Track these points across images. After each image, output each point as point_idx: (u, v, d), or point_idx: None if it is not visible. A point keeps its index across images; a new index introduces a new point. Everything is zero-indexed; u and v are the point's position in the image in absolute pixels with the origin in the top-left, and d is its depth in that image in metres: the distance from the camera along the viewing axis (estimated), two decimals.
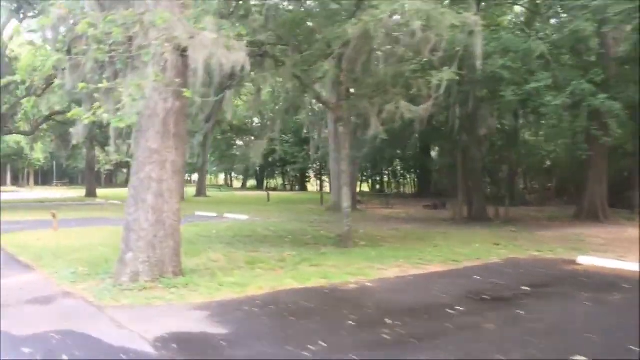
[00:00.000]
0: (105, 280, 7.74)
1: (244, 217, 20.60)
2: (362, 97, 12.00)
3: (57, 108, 32.97)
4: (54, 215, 15.18)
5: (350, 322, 5.64)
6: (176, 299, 6.75)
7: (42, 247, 11.69)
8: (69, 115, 6.70)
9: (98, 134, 30.56)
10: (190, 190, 40.54)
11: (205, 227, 16.64)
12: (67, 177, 74.74)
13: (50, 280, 8.24)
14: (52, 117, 30.07)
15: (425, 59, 12.41)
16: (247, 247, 11.98)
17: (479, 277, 8.08)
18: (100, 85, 6.77)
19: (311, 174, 58.04)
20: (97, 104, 6.59)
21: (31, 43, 32.50)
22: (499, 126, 19.67)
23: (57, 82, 8.52)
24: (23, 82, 28.83)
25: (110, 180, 76.91)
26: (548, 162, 23.23)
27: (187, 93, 6.73)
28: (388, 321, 5.58)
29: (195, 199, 35.35)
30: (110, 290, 7.21)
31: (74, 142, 19.40)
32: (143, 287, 7.24)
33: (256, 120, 52.74)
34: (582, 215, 19.10)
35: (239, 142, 58.76)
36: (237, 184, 72.49)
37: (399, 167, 41.81)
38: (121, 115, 6.50)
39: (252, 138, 55.41)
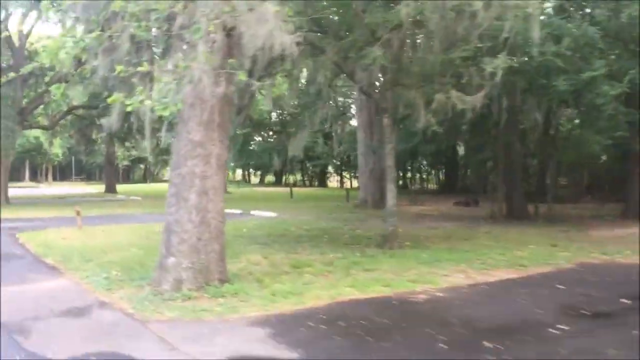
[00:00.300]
0: (144, 287, 6.94)
1: (271, 214, 19.80)
2: (410, 87, 11.07)
3: (75, 103, 32.60)
4: (78, 213, 14.49)
5: (442, 345, 4.76)
6: (228, 312, 5.92)
7: (69, 247, 10.97)
8: (109, 100, 5.90)
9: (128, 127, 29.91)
10: None
11: (234, 225, 15.82)
12: (84, 173, 74.71)
13: (82, 286, 7.47)
14: (72, 111, 29.52)
15: (477, 45, 11.44)
16: (285, 248, 11.16)
17: (562, 287, 7.14)
18: (140, 69, 5.95)
19: (331, 169, 57.11)
20: (141, 88, 5.77)
21: (50, 37, 32.10)
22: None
23: (87, 67, 7.59)
24: (52, 69, 28.32)
25: (128, 176, 76.77)
26: (603, 157, 21.95)
27: (241, 75, 5.88)
28: (487, 344, 4.69)
29: None
30: (151, 300, 6.41)
31: (105, 132, 18.76)
32: (187, 297, 6.43)
33: (274, 114, 51.87)
34: (629, 214, 17.98)
35: (256, 137, 58.03)
36: (254, 179, 71.85)
37: (424, 163, 40.70)
38: (166, 102, 5.67)
39: (271, 133, 54.70)
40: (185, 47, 6.29)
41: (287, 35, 6.35)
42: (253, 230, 14.41)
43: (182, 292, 6.54)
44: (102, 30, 6.73)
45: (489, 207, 24.22)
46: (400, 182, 44.20)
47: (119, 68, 6.04)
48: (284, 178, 63.95)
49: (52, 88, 8.23)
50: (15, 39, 26.55)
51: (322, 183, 55.74)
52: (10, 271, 8.57)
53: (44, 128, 29.46)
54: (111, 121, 7.71)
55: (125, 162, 65.05)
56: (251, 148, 58.96)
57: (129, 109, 5.58)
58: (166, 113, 5.70)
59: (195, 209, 6.76)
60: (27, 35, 27.15)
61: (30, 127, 26.93)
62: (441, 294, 6.75)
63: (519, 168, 18.53)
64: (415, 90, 11.04)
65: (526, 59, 13.56)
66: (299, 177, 65.62)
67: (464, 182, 37.46)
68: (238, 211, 21.41)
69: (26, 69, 9.22)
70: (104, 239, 12.25)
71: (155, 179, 77.13)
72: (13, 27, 27.17)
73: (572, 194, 32.64)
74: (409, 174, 44.99)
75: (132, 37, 6.24)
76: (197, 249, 6.75)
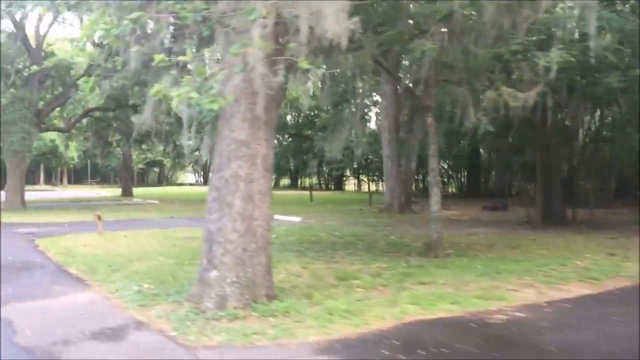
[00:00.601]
0: (182, 304, 6.19)
1: (296, 218, 19.04)
2: (457, 83, 10.26)
3: (91, 105, 32.14)
4: (99, 218, 13.83)
5: None
6: (283, 335, 5.15)
7: (92, 255, 10.28)
8: (151, 93, 5.16)
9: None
10: None
11: None
12: (99, 176, 74.49)
13: (112, 301, 6.74)
14: (89, 113, 29.03)
15: (528, 38, 10.61)
16: (322, 257, 10.40)
17: None
18: (182, 58, 5.22)
19: (348, 173, 56.23)
20: (188, 77, 5.02)
21: (72, 40, 31.69)
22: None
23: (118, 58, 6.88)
24: (70, 69, 27.78)
25: (143, 179, 76.49)
26: None
27: (303, 63, 5.10)
28: None
29: None
30: (193, 319, 5.66)
31: (138, 129, 18.12)
32: (234, 316, 5.67)
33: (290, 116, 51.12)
34: None
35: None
36: None
37: (445, 166, 39.77)
38: (214, 95, 4.93)
39: (287, 135, 53.99)
40: (230, 33, 5.53)
41: (345, 21, 5.58)
42: (282, 237, 13.66)
43: (227, 310, 5.78)
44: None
45: (518, 212, 23.36)
46: (421, 186, 43.37)
47: (158, 57, 5.30)
48: (299, 181, 63.26)
49: (80, 81, 7.51)
50: (32, 40, 26.14)
51: (339, 186, 54.85)
52: (32, 282, 7.88)
53: (60, 130, 29.00)
54: (144, 118, 6.98)
55: (140, 165, 64.70)
56: None
57: (174, 102, 4.84)
58: (215, 107, 4.94)
59: (240, 216, 6.00)
60: (44, 36, 26.70)
61: (47, 129, 26.45)
62: (521, 314, 5.92)
63: (558, 171, 17.60)
64: (466, 86, 10.21)
65: (575, 53, 12.70)
66: (314, 180, 64.96)
67: (486, 186, 36.54)
68: None
69: (50, 61, 8.50)
70: (127, 246, 11.56)
71: (170, 182, 76.86)
72: (30, 28, 26.79)
73: (601, 198, 31.60)
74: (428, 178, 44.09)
75: (176, 18, 5.48)
76: (242, 261, 5.99)
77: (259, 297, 6.06)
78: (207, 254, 6.12)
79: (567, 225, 17.36)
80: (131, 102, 30.06)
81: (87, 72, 27.15)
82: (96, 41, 14.48)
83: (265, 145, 6.26)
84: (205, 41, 6.04)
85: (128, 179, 38.46)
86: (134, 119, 8.88)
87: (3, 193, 26.87)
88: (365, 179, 52.32)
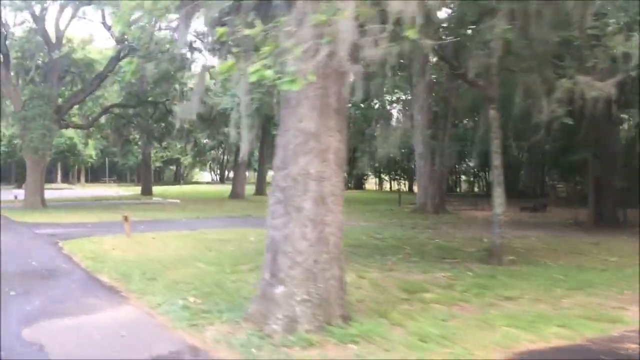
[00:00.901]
0: (240, 324, 5.24)
1: None
2: (526, 71, 9.20)
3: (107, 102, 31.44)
4: (126, 219, 12.97)
5: None
6: None
7: (122, 260, 9.40)
8: (221, 68, 4.22)
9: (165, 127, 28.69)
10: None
11: None
12: (115, 174, 74.09)
13: (157, 318, 5.81)
14: (109, 110, 28.33)
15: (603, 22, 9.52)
16: (372, 263, 9.43)
17: None
18: (249, 31, 4.26)
19: (368, 171, 55.15)
20: (267, 48, 4.05)
21: (90, 38, 31.03)
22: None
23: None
24: (91, 65, 26.99)
25: (159, 177, 76.06)
26: None
27: (411, 32, 4.10)
28: None
29: (256, 198, 33.15)
30: (259, 345, 4.70)
31: (180, 120, 17.24)
32: (308, 342, 4.70)
33: None
34: None
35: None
36: None
37: (471, 164, 38.58)
38: (293, 74, 3.97)
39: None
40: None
41: None
42: None
43: (298, 334, 4.82)
44: None
45: (559, 213, 22.19)
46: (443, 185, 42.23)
47: (220, 31, 4.36)
48: None
49: (123, 63, 6.62)
50: (52, 36, 25.48)
51: (359, 185, 53.77)
52: (61, 294, 6.99)
53: (80, 127, 28.33)
54: (190, 106, 6.04)
55: (157, 164, 64.20)
56: None
57: (252, 78, 3.88)
58: (295, 87, 3.98)
59: (311, 222, 5.04)
60: (64, 31, 26.01)
61: (67, 126, 25.77)
62: None
63: (613, 170, 16.42)
64: (537, 75, 9.14)
65: None
66: None
67: (515, 185, 35.26)
68: None
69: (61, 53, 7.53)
70: (159, 250, 10.68)
71: (185, 180, 76.30)
72: (50, 24, 26.14)
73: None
74: (454, 177, 43.00)
75: None
76: (313, 274, 5.02)
77: (334, 317, 5.10)
78: (271, 266, 5.16)
79: (620, 227, 16.22)
80: (150, 98, 29.43)
81: (108, 68, 26.53)
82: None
83: (337, 137, 5.28)
84: (270, 12, 5.07)
85: (148, 177, 37.74)
86: (177, 108, 7.95)
87: (19, 191, 26.29)
88: (387, 178, 51.25)
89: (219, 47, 4.98)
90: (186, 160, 67.45)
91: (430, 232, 15.01)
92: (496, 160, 9.82)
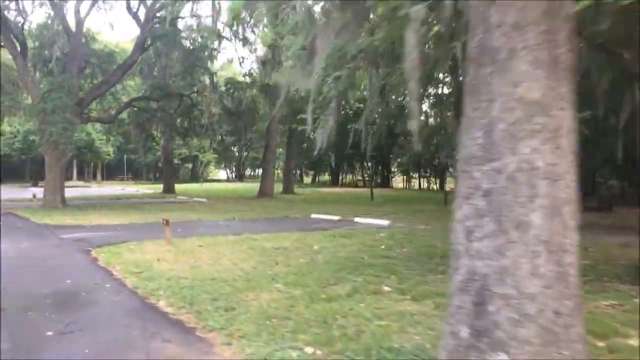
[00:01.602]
0: None
1: (381, 222, 16.11)
2: None
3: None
4: (166, 223, 11.14)
5: None
6: None
7: (175, 276, 7.56)
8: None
9: (189, 121, 26.94)
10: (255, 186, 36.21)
11: (356, 238, 12.26)
12: (130, 172, 72.64)
13: None
14: (132, 103, 26.60)
15: None
16: None
17: None
18: None
19: (394, 169, 53.22)
20: None
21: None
22: None
23: None
24: (111, 57, 25.19)
25: (175, 175, 74.59)
26: None
27: None
28: None
29: (285, 197, 31.32)
30: None
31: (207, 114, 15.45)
32: None
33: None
34: None
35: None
36: (305, 179, 68.50)
37: None
38: None
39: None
40: None
41: None
42: (397, 247, 10.76)
43: None
44: None
45: (624, 213, 20.11)
46: None
47: None
48: (340, 177, 60.44)
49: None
50: (72, 25, 23.78)
51: (385, 183, 51.78)
52: (115, 333, 5.13)
53: (102, 121, 26.63)
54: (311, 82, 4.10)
55: (176, 161, 62.62)
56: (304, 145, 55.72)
57: None
58: None
59: (545, 247, 3.11)
60: (84, 20, 24.30)
61: (88, 120, 24.07)
62: None
63: None
64: None
65: None
66: (353, 176, 61.92)
67: (594, 186, 33.02)
68: (334, 217, 17.88)
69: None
70: (214, 262, 8.81)
71: (201, 178, 74.73)
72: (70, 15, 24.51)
73: None
74: None
75: None
76: (554, 335, 3.09)
77: None
78: (474, 318, 3.22)
79: None
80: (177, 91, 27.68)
81: (131, 58, 24.80)
82: None
83: (570, 112, 3.34)
84: None
85: (170, 175, 36.01)
86: (299, 83, 6.10)
87: (35, 189, 24.64)
88: (415, 176, 49.27)
89: None
90: (205, 157, 65.81)
91: None
92: None
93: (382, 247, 10.89)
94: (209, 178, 79.27)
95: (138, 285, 7.09)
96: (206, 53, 24.67)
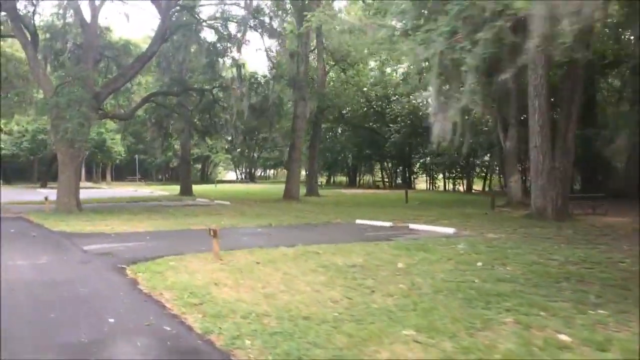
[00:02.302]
0: None
1: (446, 229, 14.12)
2: None
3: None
4: (214, 234, 9.20)
5: None
6: None
7: (252, 312, 5.65)
8: None
9: (210, 118, 25.03)
10: (277, 187, 33.72)
11: (436, 252, 10.32)
12: (138, 173, 70.64)
13: None
14: (151, 98, 24.71)
15: None
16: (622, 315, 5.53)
17: None
18: None
19: (417, 169, 51.09)
20: None
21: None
22: None
23: None
24: (128, 50, 23.34)
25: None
26: None
27: None
28: None
29: (311, 199, 29.37)
30: None
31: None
32: None
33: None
34: None
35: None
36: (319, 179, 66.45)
37: None
38: None
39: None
40: None
41: None
42: (504, 268, 8.75)
43: None
44: None
45: None
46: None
47: None
48: (358, 178, 58.41)
49: None
50: (87, 16, 21.94)
51: (407, 184, 49.70)
52: None
53: (120, 118, 24.70)
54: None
55: None
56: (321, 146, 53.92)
57: None
58: None
59: None
60: (100, 10, 22.43)
61: (105, 116, 22.17)
62: None
63: None
64: None
65: None
66: (370, 177, 59.84)
67: (604, 184, 30.97)
68: (383, 223, 15.90)
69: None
70: (289, 288, 6.90)
71: (209, 179, 72.75)
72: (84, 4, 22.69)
73: None
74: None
75: None
76: None
77: None
78: None
79: None
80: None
81: (151, 50, 22.91)
82: None
83: None
84: None
85: (187, 175, 34.03)
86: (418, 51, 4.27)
87: (44, 190, 22.71)
88: (440, 177, 47.16)
89: None
90: (217, 157, 63.92)
91: (604, 248, 11.02)
92: None
93: (479, 264, 8.93)
94: (217, 179, 77.39)
95: (209, 329, 5.15)
96: (232, 43, 22.73)
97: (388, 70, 42.77)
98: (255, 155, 67.40)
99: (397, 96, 43.46)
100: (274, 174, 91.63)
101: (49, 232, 13.65)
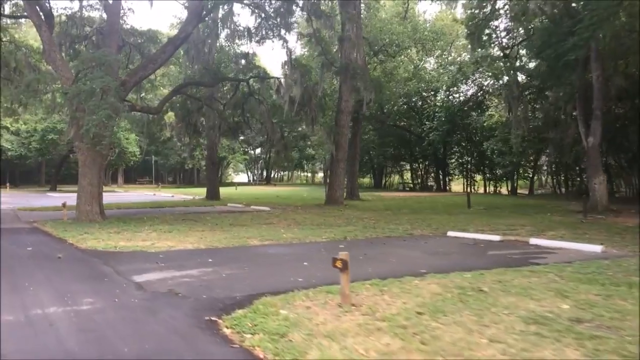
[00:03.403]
0: None
1: (590, 247, 10.95)
2: None
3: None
4: (344, 266, 6.10)
5: None
6: None
7: None
8: None
9: (242, 113, 21.98)
10: (298, 190, 30.40)
11: (624, 285, 7.22)
12: (147, 175, 67.48)
13: None
14: (181, 90, 21.64)
15: None
16: None
17: None
18: None
19: (452, 171, 47.90)
20: None
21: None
22: None
23: None
24: (153, 39, 20.41)
25: (198, 178, 69.69)
26: None
27: None
28: None
29: (355, 204, 26.26)
30: None
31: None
32: None
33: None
34: None
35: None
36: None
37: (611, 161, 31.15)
38: None
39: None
40: None
41: None
42: None
43: None
44: None
45: None
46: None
47: None
48: (384, 180, 55.25)
49: None
50: None
51: (442, 187, 46.41)
52: None
53: (148, 112, 21.69)
54: None
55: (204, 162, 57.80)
56: None
57: None
58: None
59: None
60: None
61: (133, 108, 19.17)
62: None
63: None
64: None
65: None
66: (398, 179, 56.68)
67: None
68: (485, 236, 12.82)
69: None
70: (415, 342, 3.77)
71: (222, 181, 69.71)
72: None
73: None
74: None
75: None
76: None
77: None
78: None
79: None
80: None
81: (183, 32, 19.93)
82: None
83: None
84: None
85: (214, 178, 30.90)
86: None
87: (54, 193, 19.63)
88: (478, 179, 43.98)
89: None
90: (235, 159, 60.88)
91: None
92: None
93: None
94: (228, 182, 74.39)
95: None
96: (278, 24, 19.65)
97: (432, 62, 39.72)
98: (269, 155, 64.33)
99: (432, 92, 40.36)
100: (288, 175, 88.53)
101: (78, 251, 10.59)
